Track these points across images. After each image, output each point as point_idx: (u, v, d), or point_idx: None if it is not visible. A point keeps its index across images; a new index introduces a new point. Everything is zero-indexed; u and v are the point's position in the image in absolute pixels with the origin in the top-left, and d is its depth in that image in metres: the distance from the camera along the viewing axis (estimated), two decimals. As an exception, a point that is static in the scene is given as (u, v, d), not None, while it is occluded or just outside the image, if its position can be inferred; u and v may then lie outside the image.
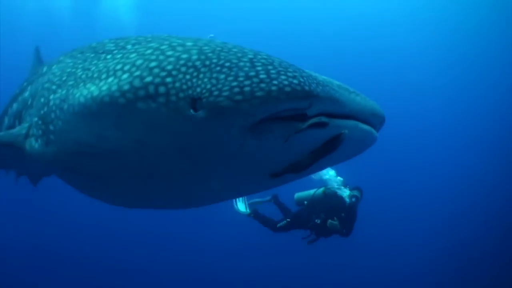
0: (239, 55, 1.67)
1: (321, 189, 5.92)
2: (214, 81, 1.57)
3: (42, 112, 2.04)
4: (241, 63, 1.62)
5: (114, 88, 1.67)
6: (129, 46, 1.93)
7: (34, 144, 2.11)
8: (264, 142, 1.57)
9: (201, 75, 1.60)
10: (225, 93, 1.53)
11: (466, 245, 14.94)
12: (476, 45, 19.56)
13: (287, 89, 1.52)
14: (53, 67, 2.33)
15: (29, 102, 2.42)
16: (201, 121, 1.55)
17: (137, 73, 1.66)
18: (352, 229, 5.78)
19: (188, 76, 1.60)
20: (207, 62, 1.63)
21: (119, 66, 1.75)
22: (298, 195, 6.15)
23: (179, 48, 1.72)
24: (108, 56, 1.91)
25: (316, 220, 5.75)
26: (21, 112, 2.55)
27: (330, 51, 19.41)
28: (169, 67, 1.64)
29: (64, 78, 2.01)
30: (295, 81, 1.55)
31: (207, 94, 1.55)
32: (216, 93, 1.54)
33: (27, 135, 2.17)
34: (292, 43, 18.11)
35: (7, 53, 16.32)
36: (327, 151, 1.66)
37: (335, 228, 5.63)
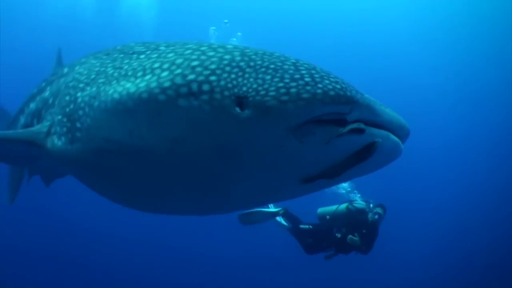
0: (282, 59, 1.73)
1: (344, 205, 5.83)
2: (260, 81, 1.61)
3: (67, 109, 2.04)
4: (286, 66, 1.67)
5: (153, 85, 1.67)
6: (162, 48, 1.94)
7: (56, 142, 2.10)
8: (304, 145, 1.60)
9: (246, 75, 1.63)
10: (272, 93, 1.56)
11: (479, 256, 14.41)
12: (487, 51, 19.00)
13: (331, 93, 1.57)
14: (76, 67, 2.35)
15: (50, 101, 2.42)
16: (246, 120, 1.57)
17: (178, 71, 1.68)
18: (372, 246, 5.68)
19: (233, 75, 1.63)
20: (252, 63, 1.67)
21: (157, 65, 1.76)
22: (321, 210, 6.07)
23: (220, 50, 1.75)
24: (142, 56, 1.92)
25: (336, 234, 5.66)
26: (40, 111, 2.54)
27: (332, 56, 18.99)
28: (213, 66, 1.66)
29: (93, 77, 2.01)
30: (338, 86, 1.61)
31: (253, 93, 1.58)
32: (263, 92, 1.57)
33: (48, 133, 2.17)
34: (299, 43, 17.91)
35: (29, 52, 16.59)
36: (361, 158, 1.70)
37: (355, 244, 5.53)
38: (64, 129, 2.04)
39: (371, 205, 5.76)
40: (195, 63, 1.68)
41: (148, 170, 1.85)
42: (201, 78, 1.62)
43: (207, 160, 1.70)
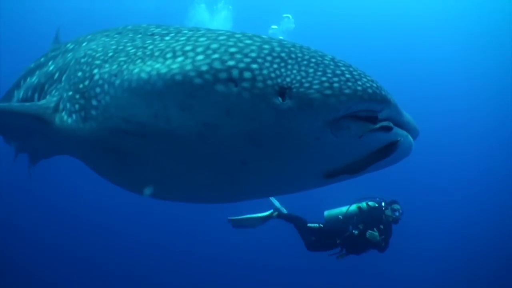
0: (320, 53, 1.79)
1: (354, 206, 5.67)
2: (303, 73, 1.66)
3: (81, 86, 2.00)
4: (326, 61, 1.73)
5: (188, 67, 1.67)
6: (186, 31, 1.93)
7: (66, 119, 2.05)
8: (338, 138, 1.67)
9: (289, 66, 1.67)
10: (316, 86, 1.62)
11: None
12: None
13: (370, 90, 1.66)
14: (84, 44, 2.33)
15: (55, 76, 2.36)
16: (286, 110, 1.60)
17: (215, 56, 1.68)
18: (388, 244, 5.56)
19: (275, 65, 1.66)
20: (293, 55, 1.71)
21: (188, 47, 1.75)
22: (328, 212, 5.85)
23: (257, 39, 1.77)
24: (167, 38, 1.91)
25: (353, 231, 5.48)
26: (43, 86, 2.46)
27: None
28: (253, 55, 1.68)
29: (110, 54, 1.97)
30: (375, 85, 1.70)
31: (297, 85, 1.62)
32: (306, 85, 1.62)
33: (56, 109, 2.13)
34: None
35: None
36: (383, 155, 1.79)
37: (375, 239, 5.36)
38: (76, 106, 2.00)
39: (383, 203, 5.63)
40: (233, 49, 1.69)
41: (169, 154, 1.83)
42: (241, 65, 1.64)
43: (237, 147, 1.71)
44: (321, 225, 5.74)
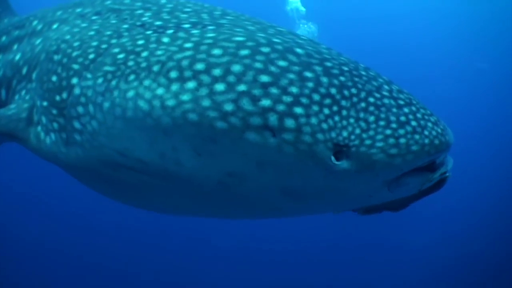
0: (374, 83, 1.44)
1: None
2: (363, 124, 1.33)
3: (58, 98, 1.63)
4: (386, 100, 1.41)
5: (205, 103, 1.30)
6: (188, 27, 1.54)
7: (43, 138, 1.71)
8: (394, 194, 1.46)
9: (343, 112, 1.32)
10: (380, 144, 1.32)
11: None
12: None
13: (436, 142, 1.40)
14: (55, 26, 1.92)
15: (23, 71, 1.94)
16: (341, 171, 1.32)
17: (242, 87, 1.30)
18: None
19: (326, 110, 1.30)
20: (345, 92, 1.35)
21: (200, 66, 1.35)
22: None
23: (293, 58, 1.38)
24: (165, 39, 1.49)
25: None
26: (10, 81, 2.01)
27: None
28: (294, 90, 1.30)
29: (91, 56, 1.57)
30: (439, 130, 1.43)
31: (357, 142, 1.31)
32: (368, 142, 1.31)
33: (30, 120, 1.76)
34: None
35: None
36: (430, 192, 1.59)
37: None
38: (55, 124, 1.65)
39: None
40: (265, 78, 1.31)
41: (180, 194, 1.56)
42: (281, 108, 1.27)
43: (269, 198, 1.46)
44: None
